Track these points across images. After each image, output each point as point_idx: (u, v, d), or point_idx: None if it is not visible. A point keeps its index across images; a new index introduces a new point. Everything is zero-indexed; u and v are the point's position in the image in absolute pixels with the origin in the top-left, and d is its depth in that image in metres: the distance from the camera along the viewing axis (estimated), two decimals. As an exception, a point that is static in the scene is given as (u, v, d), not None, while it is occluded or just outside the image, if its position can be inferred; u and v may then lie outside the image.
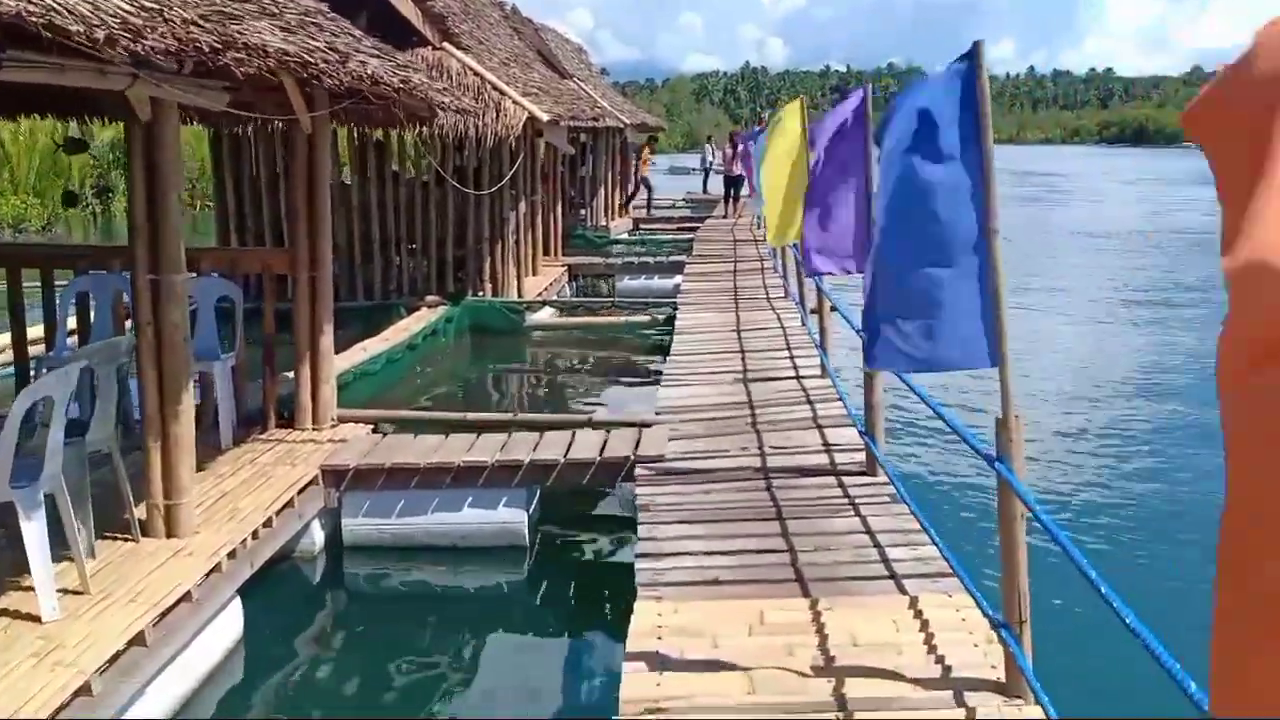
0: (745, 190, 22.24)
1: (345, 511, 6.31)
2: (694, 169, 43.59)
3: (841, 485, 5.64)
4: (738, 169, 23.21)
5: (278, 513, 5.64)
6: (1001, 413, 3.37)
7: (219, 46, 3.63)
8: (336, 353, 10.06)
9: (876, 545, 4.75)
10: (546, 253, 16.97)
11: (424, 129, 11.97)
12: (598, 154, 23.52)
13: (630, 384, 11.26)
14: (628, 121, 23.30)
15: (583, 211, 23.63)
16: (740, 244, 18.53)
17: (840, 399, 7.22)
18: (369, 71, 5.34)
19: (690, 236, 21.22)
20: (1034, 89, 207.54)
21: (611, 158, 24.29)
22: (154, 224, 4.93)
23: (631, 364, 12.35)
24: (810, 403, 7.37)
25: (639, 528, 5.17)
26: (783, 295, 12.51)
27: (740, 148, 22.93)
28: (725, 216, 24.03)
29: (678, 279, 15.70)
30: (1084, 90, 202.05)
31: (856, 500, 5.39)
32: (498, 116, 11.73)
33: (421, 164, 14.06)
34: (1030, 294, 17.39)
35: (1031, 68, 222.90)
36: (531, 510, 6.41)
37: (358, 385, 9.52)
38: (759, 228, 20.36)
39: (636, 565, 4.67)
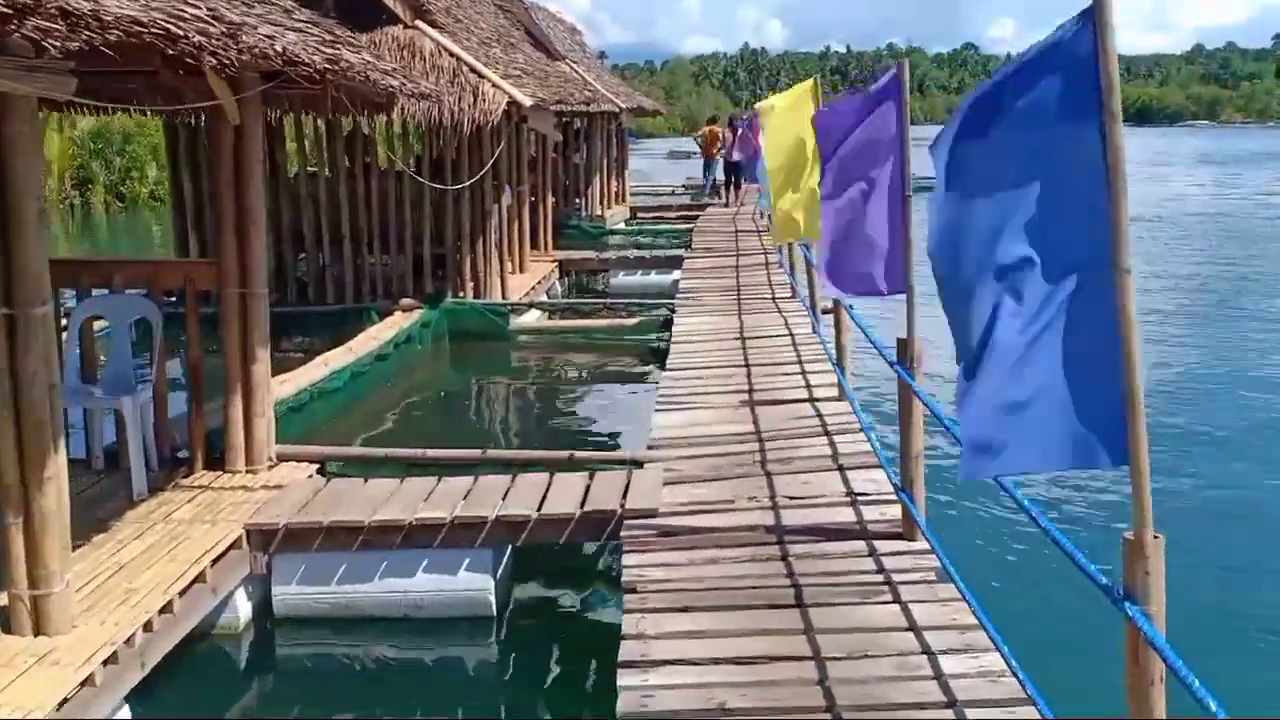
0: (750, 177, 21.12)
1: (276, 577, 5.29)
2: (694, 153, 42.57)
3: (873, 553, 4.60)
4: (737, 154, 22.09)
5: (183, 591, 4.61)
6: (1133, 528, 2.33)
7: (9, 11, 2.58)
8: (299, 365, 9.10)
9: (925, 650, 3.71)
10: (536, 247, 15.91)
11: (396, 116, 10.97)
12: (592, 140, 22.39)
13: (622, 398, 10.23)
14: (623, 105, 22.17)
15: (577, 201, 22.54)
16: (742, 235, 17.45)
17: (863, 431, 6.18)
18: (278, 48, 4.28)
19: (690, 226, 20.15)
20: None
21: (607, 143, 23.16)
22: (5, 243, 3.88)
23: (625, 372, 11.31)
24: (828, 434, 6.32)
25: (625, 617, 4.14)
26: (789, 295, 11.46)
27: (740, 132, 21.84)
28: (726, 205, 22.92)
29: (676, 274, 14.65)
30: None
31: (893, 577, 4.35)
32: (475, 101, 10.65)
33: (397, 154, 13.00)
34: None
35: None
36: (500, 573, 5.38)
37: (316, 406, 8.49)
38: (761, 217, 19.30)
39: (619, 680, 3.64)
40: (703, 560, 4.63)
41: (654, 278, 15.35)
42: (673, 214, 25.21)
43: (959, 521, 6.63)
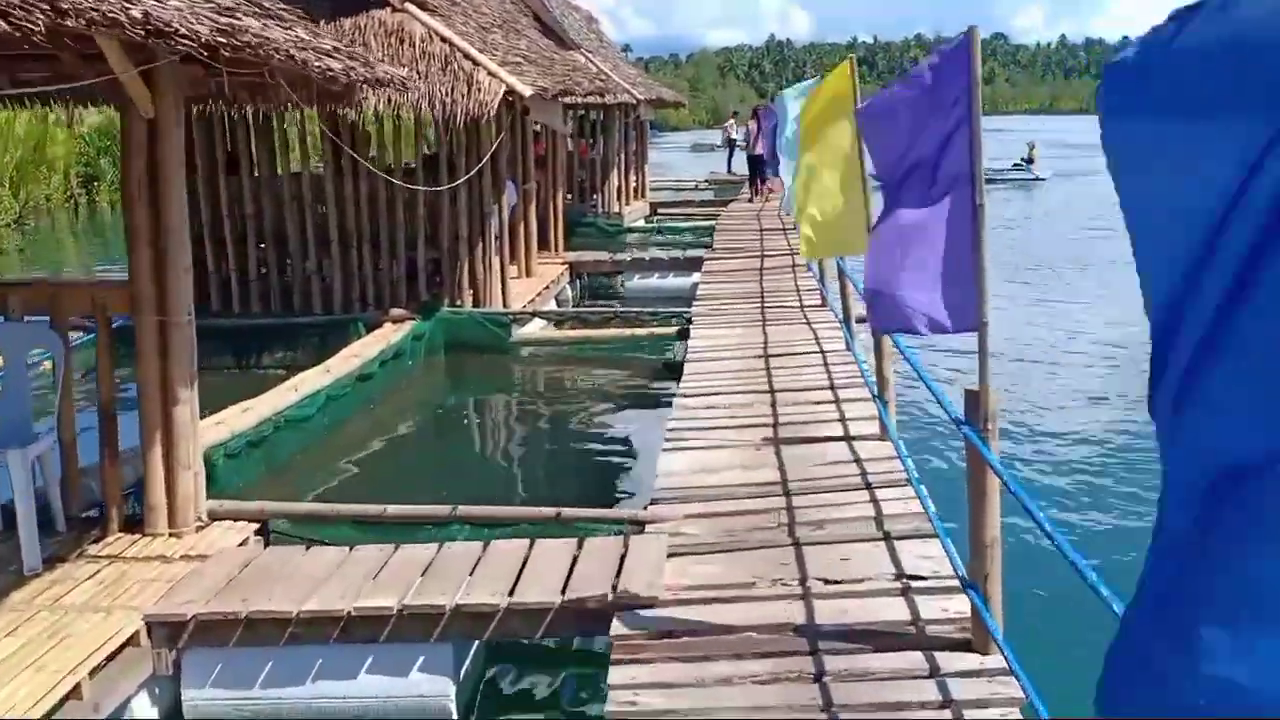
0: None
1: (187, 679, 4.28)
2: (718, 145, 41.48)
3: (935, 672, 3.52)
4: (761, 147, 20.97)
5: (54, 709, 3.61)
6: None
7: None
8: (279, 383, 8.11)
9: None
10: (545, 248, 14.86)
11: (386, 109, 9.95)
12: (610, 133, 21.31)
13: (630, 423, 9.15)
14: (641, 96, 21.06)
15: (594, 197, 21.48)
16: (768, 234, 16.32)
17: (911, 485, 5.09)
18: (136, 14, 3.23)
19: (712, 223, 19.06)
20: (1066, 58, 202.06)
21: (625, 136, 22.08)
22: None
23: (635, 390, 10.25)
24: (869, 488, 5.23)
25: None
26: (819, 303, 10.35)
27: (766, 124, 20.72)
28: (750, 200, 21.78)
29: (695, 277, 13.57)
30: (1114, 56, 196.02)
31: (964, 714, 3.27)
32: (470, 91, 9.61)
33: (390, 151, 12.00)
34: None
35: (1063, 36, 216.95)
36: (463, 673, 4.35)
37: (282, 437, 7.52)
38: (788, 213, 18.17)
39: None
40: (714, 680, 3.57)
41: (671, 280, 14.28)
42: (695, 210, 24.14)
43: (1040, 620, 5.24)
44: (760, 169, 21.71)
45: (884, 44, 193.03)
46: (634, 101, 20.64)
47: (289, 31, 4.55)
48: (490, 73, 9.75)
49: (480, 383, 10.65)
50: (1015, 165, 33.64)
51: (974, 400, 3.52)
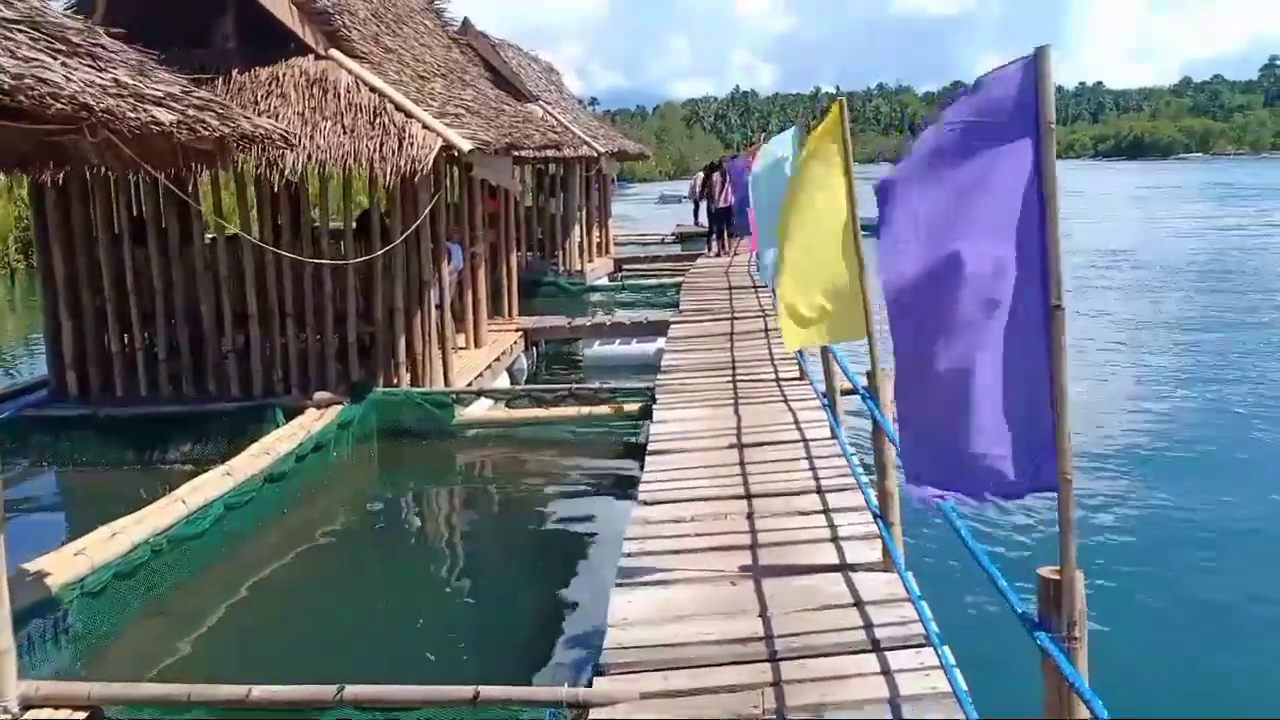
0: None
1: None
2: (684, 197, 40.95)
3: None
4: (727, 199, 20.05)
5: None
6: None
7: None
8: (181, 483, 6.84)
9: None
10: (499, 313, 13.74)
11: (336, 169, 8.84)
12: (570, 188, 20.33)
13: (587, 529, 7.95)
14: (603, 149, 20.10)
15: (556, 254, 20.44)
16: (737, 292, 15.29)
17: (931, 645, 3.93)
18: None
19: (679, 280, 18.04)
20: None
21: (586, 190, 21.10)
22: None
23: (594, 478, 9.07)
24: (879, 650, 4.06)
25: None
26: (797, 375, 9.26)
27: (731, 175, 19.83)
28: (716, 255, 20.81)
29: (660, 343, 12.49)
30: (1075, 104, 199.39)
31: None
32: (401, 146, 8.51)
33: (328, 213, 10.85)
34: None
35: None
36: None
37: (162, 563, 6.26)
38: (756, 270, 17.18)
39: None
40: None
41: (635, 347, 13.18)
42: (662, 265, 23.15)
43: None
44: (726, 222, 20.78)
45: (847, 93, 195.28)
46: (595, 154, 19.69)
47: (100, 74, 3.42)
48: (425, 125, 8.66)
49: (416, 475, 9.41)
50: None
51: (1053, 592, 2.37)
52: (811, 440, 7.14)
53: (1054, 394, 2.37)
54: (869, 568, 4.83)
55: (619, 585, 4.88)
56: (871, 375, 4.66)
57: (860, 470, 6.07)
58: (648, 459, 7.09)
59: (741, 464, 6.75)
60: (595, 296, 19.92)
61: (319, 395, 9.36)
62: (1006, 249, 2.31)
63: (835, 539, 5.27)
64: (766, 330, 11.81)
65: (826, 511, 5.71)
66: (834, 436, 6.96)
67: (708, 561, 5.10)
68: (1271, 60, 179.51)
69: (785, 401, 8.41)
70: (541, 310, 17.39)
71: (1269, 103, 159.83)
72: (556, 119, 18.49)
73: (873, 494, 5.18)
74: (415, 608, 6.45)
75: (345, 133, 8.64)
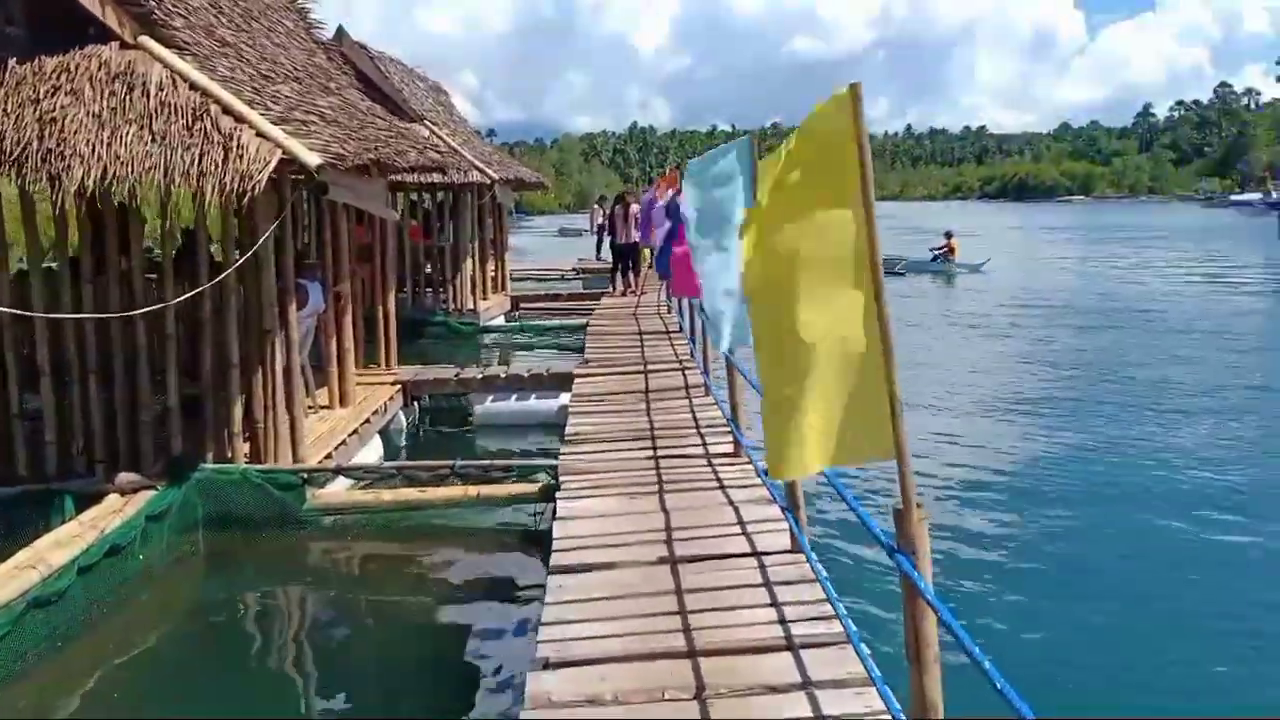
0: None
1: None
2: (585, 230, 39.51)
3: None
4: (632, 234, 18.40)
5: None
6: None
7: None
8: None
9: None
10: (374, 363, 11.75)
11: (150, 187, 6.81)
12: (460, 217, 18.43)
13: (478, 646, 6.08)
14: (496, 175, 18.26)
15: (443, 293, 18.47)
16: (649, 339, 13.57)
17: None
18: None
19: (582, 321, 16.29)
20: (913, 147, 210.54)
21: (479, 222, 19.21)
22: None
23: (484, 584, 7.19)
24: None
25: None
26: (730, 451, 7.55)
27: (634, 208, 18.21)
28: (622, 294, 19.13)
29: (563, 399, 10.72)
30: (960, 147, 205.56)
31: None
32: (227, 157, 6.56)
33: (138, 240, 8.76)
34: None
35: (909, 126, 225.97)
36: None
37: None
38: (669, 311, 15.57)
39: None
40: None
41: (534, 404, 11.35)
42: (563, 304, 21.39)
43: None
44: (633, 258, 19.14)
45: (741, 131, 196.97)
46: (488, 181, 17.84)
47: None
48: (260, 133, 6.73)
49: (253, 580, 7.35)
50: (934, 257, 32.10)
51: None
52: (766, 555, 5.40)
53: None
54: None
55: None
56: (904, 520, 2.93)
57: (852, 625, 4.33)
58: (550, 580, 5.25)
59: (678, 593, 4.96)
60: (490, 337, 18.04)
61: (122, 478, 7.25)
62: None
63: (799, 664, 3.56)
64: (687, 388, 10.10)
65: (791, 645, 3.97)
66: (799, 549, 5.24)
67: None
68: (1145, 108, 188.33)
69: (722, 488, 6.67)
70: (429, 354, 15.45)
71: (1143, 148, 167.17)
72: (444, 141, 16.59)
73: (874, 663, 3.46)
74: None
75: (154, 140, 6.65)
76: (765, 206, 3.35)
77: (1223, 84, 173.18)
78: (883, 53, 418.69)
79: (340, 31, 16.15)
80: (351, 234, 10.37)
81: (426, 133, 16.02)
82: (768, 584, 4.96)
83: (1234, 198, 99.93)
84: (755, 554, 5.37)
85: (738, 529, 5.82)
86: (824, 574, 4.82)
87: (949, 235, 32.61)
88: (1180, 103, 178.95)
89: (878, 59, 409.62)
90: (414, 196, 19.12)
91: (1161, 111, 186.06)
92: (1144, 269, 34.41)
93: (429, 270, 18.46)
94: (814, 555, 5.02)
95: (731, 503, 6.31)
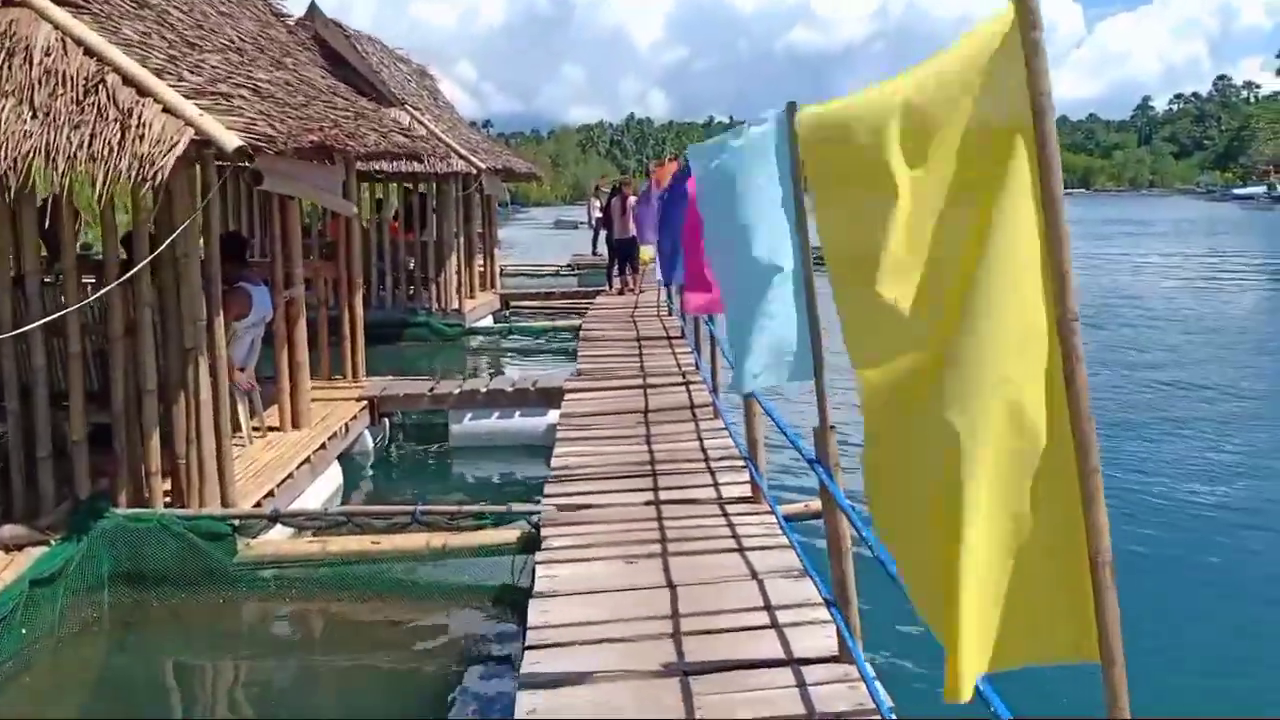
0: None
1: None
2: (581, 223, 38.37)
3: None
4: (629, 228, 17.11)
5: None
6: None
7: None
8: None
9: None
10: (340, 374, 10.45)
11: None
12: (444, 210, 17.10)
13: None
14: (483, 164, 16.91)
15: (429, 290, 17.13)
16: (648, 345, 12.28)
17: None
18: None
19: (576, 323, 15.02)
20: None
21: (466, 215, 17.88)
22: None
23: (454, 652, 5.89)
24: None
25: None
26: (748, 493, 6.27)
27: (631, 200, 16.94)
28: (619, 293, 17.83)
29: (551, 416, 9.44)
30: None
31: None
32: (124, 138, 5.23)
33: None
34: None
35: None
36: None
37: None
38: (670, 313, 14.26)
39: None
40: None
41: (518, 422, 10.01)
42: (556, 302, 20.10)
43: None
44: (631, 253, 17.83)
45: (738, 123, 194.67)
46: (474, 171, 16.49)
47: None
48: (167, 108, 5.39)
49: (172, 648, 6.03)
50: None
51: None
52: (804, 664, 4.09)
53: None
54: None
55: None
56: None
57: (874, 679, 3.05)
58: (520, 698, 3.95)
59: (680, 663, 3.67)
60: (476, 340, 16.74)
61: (6, 531, 5.93)
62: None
63: None
64: (692, 408, 8.81)
65: None
66: (849, 657, 3.94)
67: None
68: (1144, 101, 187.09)
69: (741, 551, 5.37)
70: (408, 359, 14.17)
71: (1142, 141, 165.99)
72: (426, 126, 15.24)
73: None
74: None
75: (35, 116, 5.33)
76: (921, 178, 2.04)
77: (1221, 77, 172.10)
78: (880, 44, 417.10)
79: (313, 7, 14.80)
80: (319, 231, 9.05)
81: (407, 118, 14.66)
82: (810, 715, 3.66)
83: (1236, 191, 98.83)
84: (790, 662, 4.07)
85: (764, 615, 4.52)
86: (884, 699, 3.54)
87: None
88: (1179, 96, 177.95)
89: (876, 50, 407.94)
90: (408, 187, 17.78)
91: (1160, 104, 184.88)
92: (1156, 266, 33.19)
93: (411, 267, 17.12)
94: (868, 667, 3.73)
95: (755, 575, 5.00)
